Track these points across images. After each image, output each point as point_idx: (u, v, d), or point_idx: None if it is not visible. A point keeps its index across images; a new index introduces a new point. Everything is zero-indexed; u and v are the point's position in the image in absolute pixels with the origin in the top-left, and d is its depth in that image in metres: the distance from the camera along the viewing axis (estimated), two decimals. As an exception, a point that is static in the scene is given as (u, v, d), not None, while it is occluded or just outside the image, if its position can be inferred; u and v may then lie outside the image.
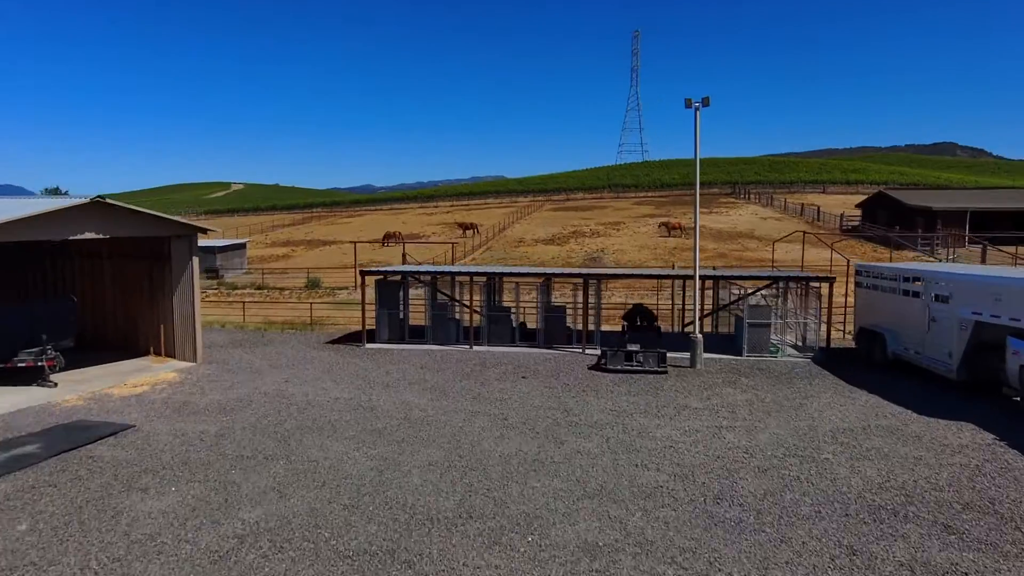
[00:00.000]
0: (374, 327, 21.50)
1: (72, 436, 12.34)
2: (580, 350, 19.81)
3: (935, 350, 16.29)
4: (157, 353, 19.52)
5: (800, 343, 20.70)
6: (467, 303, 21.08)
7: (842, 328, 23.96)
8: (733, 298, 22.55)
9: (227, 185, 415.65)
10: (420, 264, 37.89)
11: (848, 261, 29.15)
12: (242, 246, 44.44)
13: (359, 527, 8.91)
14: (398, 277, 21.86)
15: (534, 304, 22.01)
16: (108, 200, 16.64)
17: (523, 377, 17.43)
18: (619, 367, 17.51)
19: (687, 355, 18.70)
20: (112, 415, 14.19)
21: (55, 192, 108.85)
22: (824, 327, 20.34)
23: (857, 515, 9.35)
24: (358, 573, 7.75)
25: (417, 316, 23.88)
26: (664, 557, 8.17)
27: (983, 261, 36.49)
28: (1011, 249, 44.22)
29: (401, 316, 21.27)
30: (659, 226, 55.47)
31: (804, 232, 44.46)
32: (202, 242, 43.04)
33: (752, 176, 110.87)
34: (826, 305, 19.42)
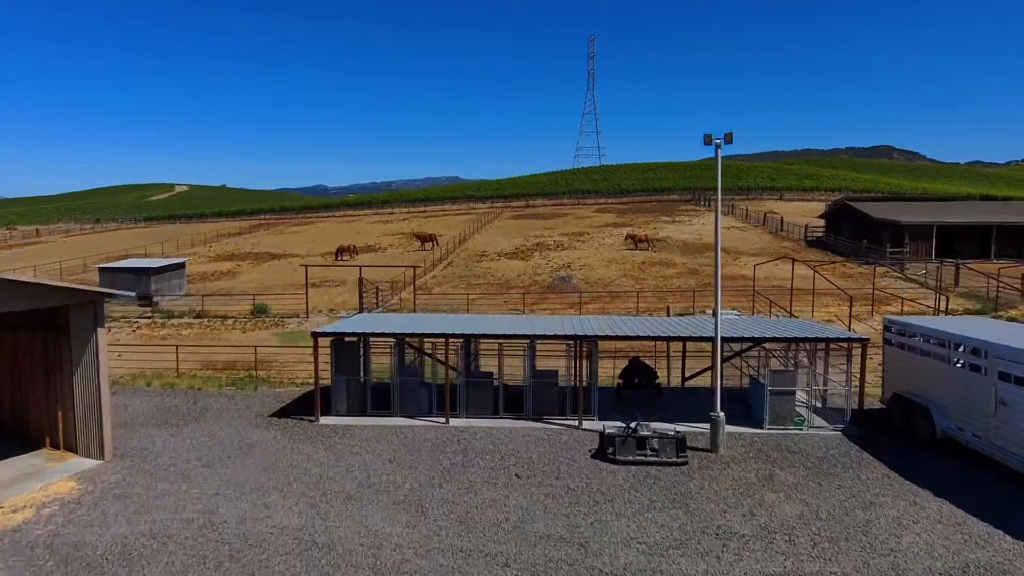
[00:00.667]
0: (330, 382, 18.13)
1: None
2: (576, 423, 16.64)
3: (1007, 439, 13.42)
4: (54, 446, 15.62)
5: (818, 403, 18.07)
6: (441, 358, 17.80)
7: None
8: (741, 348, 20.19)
9: (171, 187, 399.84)
10: (378, 290, 35.08)
11: (849, 294, 27.88)
12: (180, 266, 40.69)
13: None
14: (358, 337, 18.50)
15: (518, 351, 18.74)
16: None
17: (516, 476, 14.26)
18: (630, 458, 14.57)
19: (701, 427, 16.22)
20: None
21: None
22: (854, 391, 16.93)
23: None
24: None
25: (382, 362, 20.73)
26: None
27: (956, 281, 35.93)
28: (978, 265, 44.28)
29: (363, 380, 17.60)
30: (625, 238, 53.93)
31: (792, 261, 43.43)
32: (135, 263, 39.29)
33: (708, 181, 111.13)
34: (858, 369, 16.34)
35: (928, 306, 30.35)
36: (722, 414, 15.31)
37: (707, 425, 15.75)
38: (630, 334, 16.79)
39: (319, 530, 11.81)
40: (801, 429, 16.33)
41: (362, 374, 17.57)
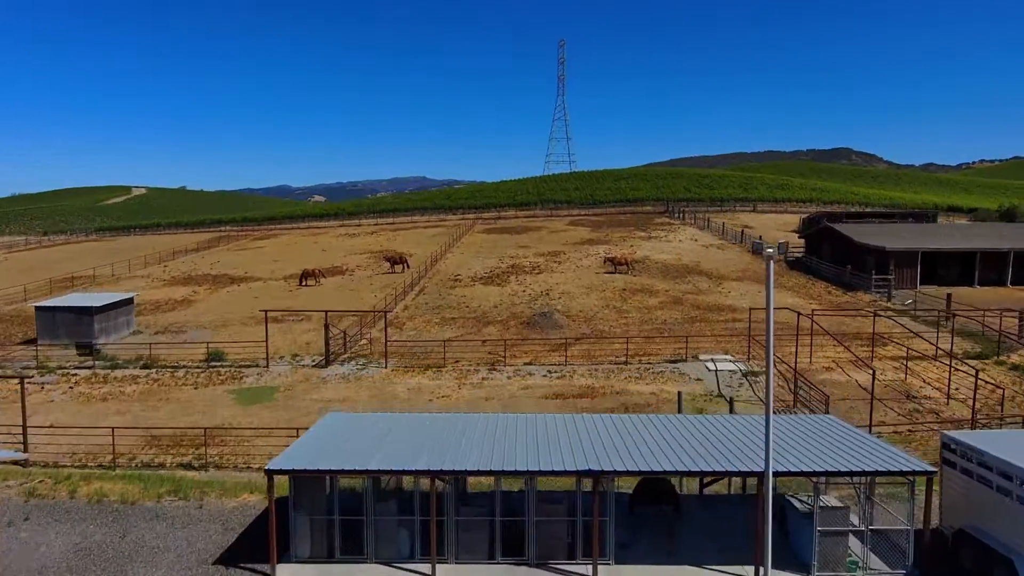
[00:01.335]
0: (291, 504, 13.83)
1: None
2: (591, 571, 13.25)
3: None
4: None
5: (870, 532, 13.94)
6: (424, 486, 13.85)
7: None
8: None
9: (127, 189, 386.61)
10: (346, 335, 32.37)
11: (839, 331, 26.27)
12: (127, 302, 37.35)
13: None
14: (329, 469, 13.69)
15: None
16: None
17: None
18: None
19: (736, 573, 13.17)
20: None
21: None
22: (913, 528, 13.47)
23: None
24: None
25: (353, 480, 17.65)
26: None
27: (949, 314, 34.86)
28: (957, 290, 43.61)
29: (330, 518, 13.90)
30: (604, 261, 52.11)
31: (790, 309, 41.70)
32: (77, 301, 35.80)
33: (682, 191, 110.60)
34: (923, 506, 12.95)
35: (928, 348, 29.06)
36: None
37: (742, 569, 13.15)
38: (655, 468, 13.48)
39: None
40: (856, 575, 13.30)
41: (327, 512, 14.05)
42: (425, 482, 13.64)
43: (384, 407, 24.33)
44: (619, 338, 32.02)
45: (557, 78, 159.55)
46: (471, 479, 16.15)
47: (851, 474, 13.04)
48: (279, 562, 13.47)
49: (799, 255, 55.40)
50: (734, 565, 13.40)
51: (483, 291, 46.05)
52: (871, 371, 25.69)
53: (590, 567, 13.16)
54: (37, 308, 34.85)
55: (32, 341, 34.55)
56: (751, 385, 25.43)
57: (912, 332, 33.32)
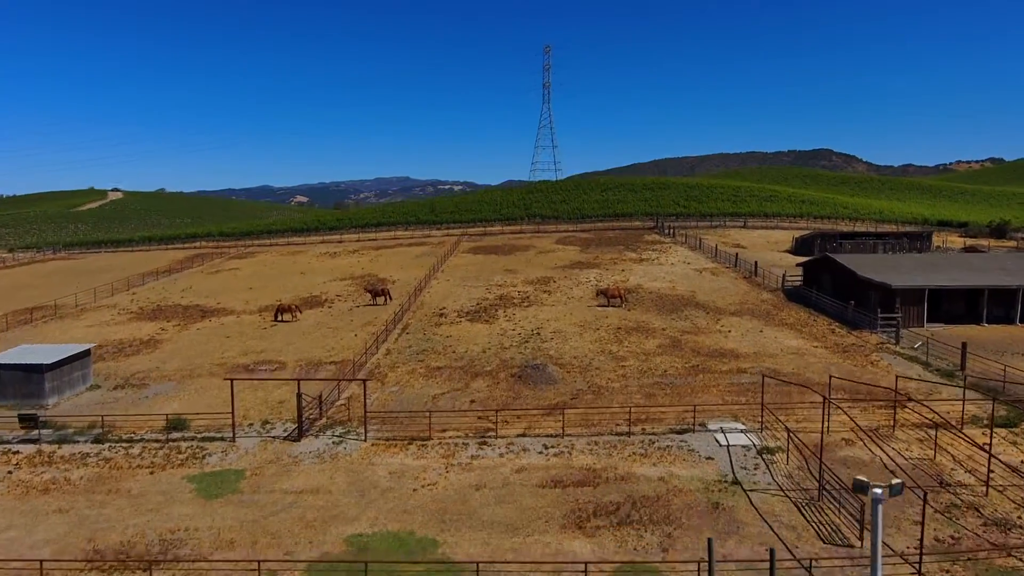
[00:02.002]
0: None
1: None
2: None
3: None
4: None
5: None
6: None
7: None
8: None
9: (103, 194, 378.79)
10: (322, 400, 29.54)
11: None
12: (84, 354, 34.30)
13: None
14: None
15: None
16: None
17: None
18: None
19: None
20: None
21: None
22: None
23: None
24: None
25: None
26: None
27: (963, 364, 32.97)
28: (965, 328, 41.90)
29: None
30: (596, 294, 49.77)
31: (795, 353, 39.83)
32: (26, 358, 32.58)
33: (670, 204, 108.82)
34: None
35: (952, 411, 27.04)
36: None
37: None
38: None
39: None
40: None
41: None
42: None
43: (362, 499, 21.74)
44: (618, 395, 29.66)
45: (542, 85, 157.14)
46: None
47: None
48: None
49: (796, 283, 53.51)
50: None
51: (470, 330, 43.52)
52: (896, 449, 23.65)
53: None
54: (-19, 366, 31.73)
55: (-25, 402, 31.45)
56: (768, 467, 23.17)
57: (928, 382, 31.42)
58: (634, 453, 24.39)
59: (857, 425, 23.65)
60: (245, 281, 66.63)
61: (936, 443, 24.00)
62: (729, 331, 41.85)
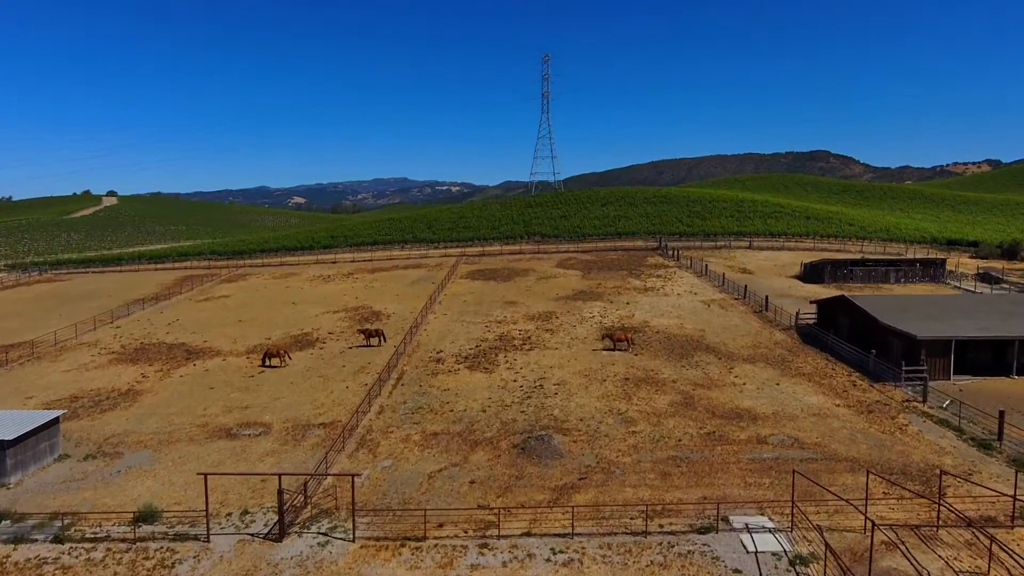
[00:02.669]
0: None
1: None
2: None
3: None
4: None
5: None
6: None
7: None
8: None
9: (98, 199, 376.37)
10: (306, 490, 26.88)
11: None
12: (52, 423, 31.72)
13: None
14: None
15: None
16: None
17: None
18: None
19: None
20: None
21: None
22: None
23: None
24: None
25: None
26: None
27: (1000, 435, 30.56)
28: (994, 381, 39.50)
29: None
30: (602, 337, 47.28)
31: (817, 412, 37.23)
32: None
33: (673, 221, 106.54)
34: None
35: (1001, 501, 24.62)
36: None
37: None
38: None
39: None
40: None
41: None
42: None
43: (348, 628, 19.22)
44: (631, 474, 27.16)
45: (541, 95, 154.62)
46: None
47: None
48: None
49: (810, 320, 51.15)
50: None
51: (469, 381, 41.04)
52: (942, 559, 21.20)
53: None
54: (-65, 442, 29.12)
55: (-70, 480, 28.89)
56: (802, 584, 20.71)
57: (965, 457, 29.03)
58: (652, 563, 21.90)
59: (898, 539, 21.19)
60: (234, 311, 64.06)
61: (989, 551, 21.54)
62: (744, 383, 39.42)
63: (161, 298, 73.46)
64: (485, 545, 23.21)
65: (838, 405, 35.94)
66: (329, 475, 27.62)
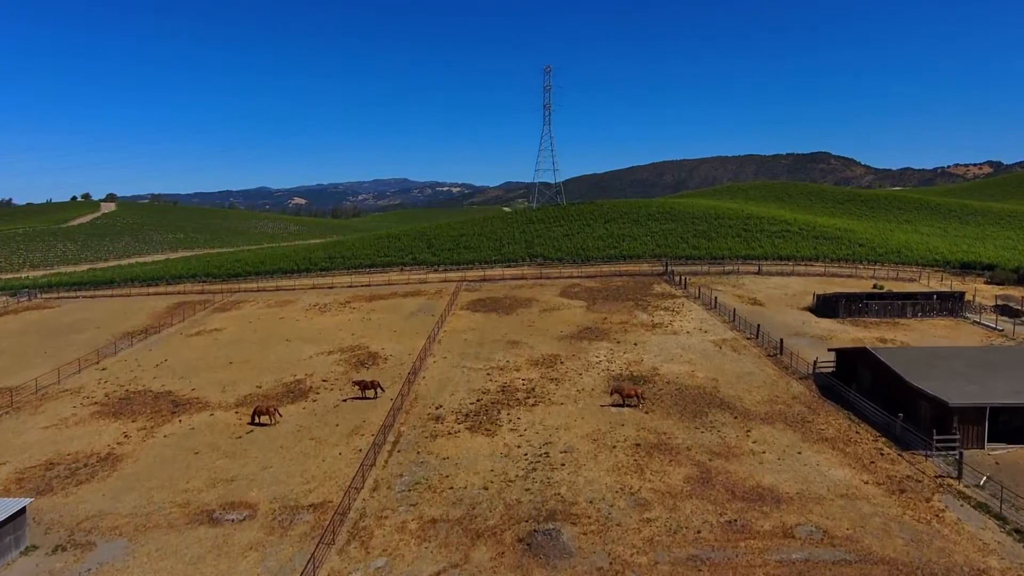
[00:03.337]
0: None
1: None
2: None
3: None
4: None
5: None
6: None
7: None
8: None
9: (96, 205, 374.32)
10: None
11: None
12: (19, 513, 29.27)
13: None
14: None
15: None
16: None
17: None
18: None
19: None
20: None
21: None
22: None
23: None
24: None
25: None
26: None
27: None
28: (1032, 446, 37.03)
29: None
30: (611, 392, 44.77)
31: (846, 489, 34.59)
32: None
33: (679, 242, 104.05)
34: None
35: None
36: None
37: None
38: None
39: None
40: None
41: None
42: None
43: None
44: (642, 555, 24.68)
45: (543, 106, 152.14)
46: None
47: None
48: None
49: (828, 368, 48.68)
50: None
51: (469, 446, 38.56)
52: None
53: None
54: None
55: None
56: None
57: (1014, 558, 26.56)
58: None
59: None
60: (226, 350, 61.60)
61: None
62: (763, 451, 36.93)
63: (151, 331, 71.02)
64: None
65: (867, 482, 33.43)
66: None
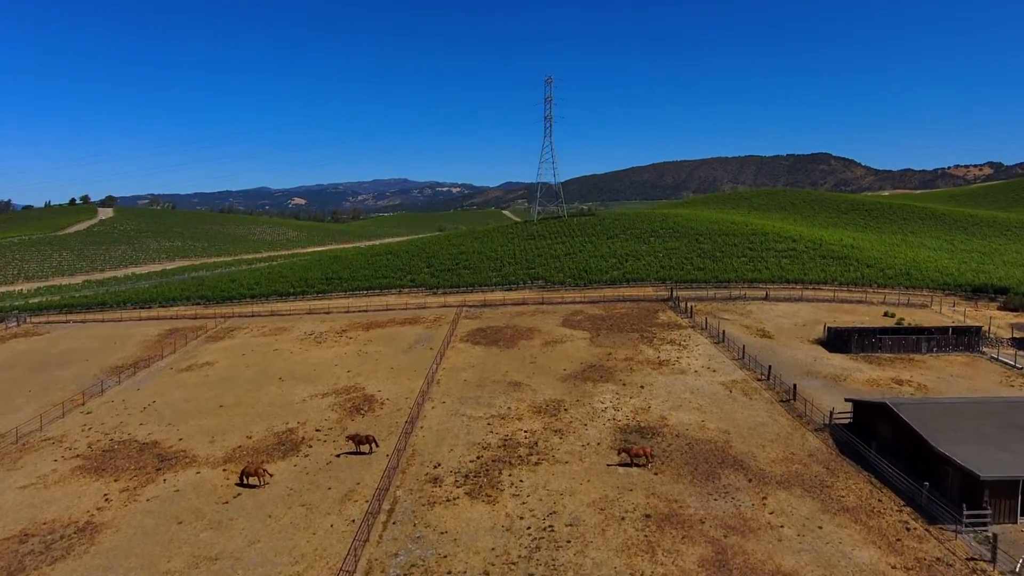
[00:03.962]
0: None
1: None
2: None
3: None
4: None
5: None
6: None
7: None
8: None
9: (93, 210, 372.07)
10: None
11: None
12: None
13: None
14: None
15: None
16: None
17: None
18: None
19: None
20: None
21: None
22: None
23: None
24: None
25: None
26: None
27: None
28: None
29: None
30: (619, 452, 42.52)
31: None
32: None
33: (683, 264, 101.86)
34: None
35: None
36: None
37: None
38: None
39: None
40: None
41: None
42: None
43: None
44: None
45: (544, 117, 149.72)
46: None
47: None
48: None
49: (845, 420, 46.51)
50: None
51: (469, 517, 36.34)
52: None
53: None
54: None
55: None
56: None
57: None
58: None
59: None
60: (216, 390, 59.39)
61: None
62: (781, 525, 34.72)
63: (141, 365, 68.81)
64: None
65: (895, 567, 31.23)
66: None
